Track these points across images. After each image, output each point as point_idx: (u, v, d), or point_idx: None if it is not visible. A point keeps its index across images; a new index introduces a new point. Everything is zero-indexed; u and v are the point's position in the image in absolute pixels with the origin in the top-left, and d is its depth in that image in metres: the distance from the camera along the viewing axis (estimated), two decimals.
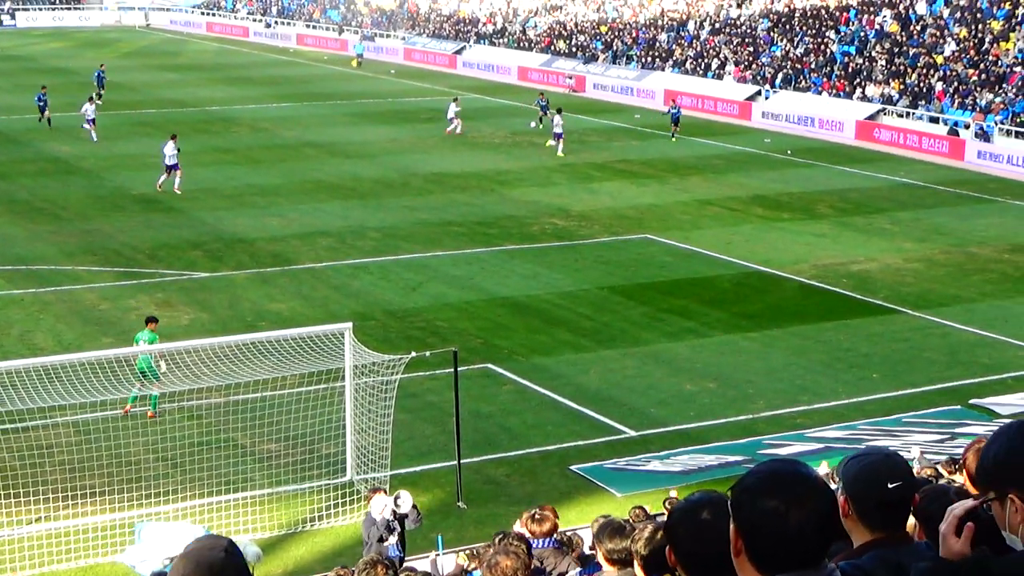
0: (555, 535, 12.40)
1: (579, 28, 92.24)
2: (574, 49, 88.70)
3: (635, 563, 7.90)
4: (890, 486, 5.06)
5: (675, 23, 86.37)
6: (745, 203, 49.16)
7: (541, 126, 64.08)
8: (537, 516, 12.05)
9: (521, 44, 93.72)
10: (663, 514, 19.40)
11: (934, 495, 5.94)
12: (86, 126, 59.46)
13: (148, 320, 27.45)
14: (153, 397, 25.87)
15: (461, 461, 23.60)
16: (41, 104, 62.38)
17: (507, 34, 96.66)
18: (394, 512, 19.03)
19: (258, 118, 68.78)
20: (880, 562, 4.70)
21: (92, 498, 22.28)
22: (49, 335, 31.45)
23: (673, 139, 62.52)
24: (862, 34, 73.67)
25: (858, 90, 68.22)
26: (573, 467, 24.84)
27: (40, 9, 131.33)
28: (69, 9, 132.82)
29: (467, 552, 18.50)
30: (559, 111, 60.08)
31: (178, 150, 48.74)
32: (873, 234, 44.30)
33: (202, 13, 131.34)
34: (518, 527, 12.48)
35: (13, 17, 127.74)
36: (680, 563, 4.97)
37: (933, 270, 39.53)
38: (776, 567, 3.94)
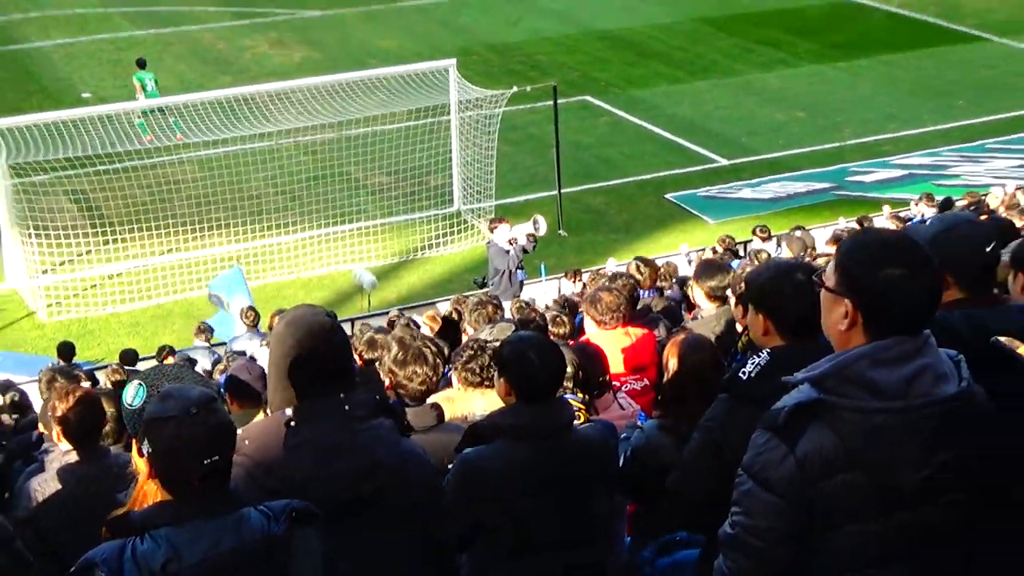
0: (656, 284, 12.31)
1: None
2: None
3: (732, 300, 7.81)
4: (988, 249, 4.90)
5: None
6: None
7: None
8: (640, 267, 11.95)
9: None
10: (751, 240, 19.33)
11: None
12: None
13: (140, 62, 28.40)
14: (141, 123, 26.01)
15: (562, 191, 23.56)
16: None
17: None
18: (531, 236, 18.66)
19: None
20: (966, 319, 4.59)
21: (218, 230, 22.56)
22: (171, 75, 31.43)
23: None
24: None
25: None
26: (668, 195, 24.68)
27: None
28: None
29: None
30: None
31: None
32: None
33: None
34: (612, 266, 12.42)
35: None
36: (774, 320, 4.88)
37: None
38: (893, 332, 3.81)
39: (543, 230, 18.77)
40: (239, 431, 4.54)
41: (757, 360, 4.74)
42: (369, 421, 4.58)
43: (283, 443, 4.46)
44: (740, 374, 4.75)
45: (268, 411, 7.08)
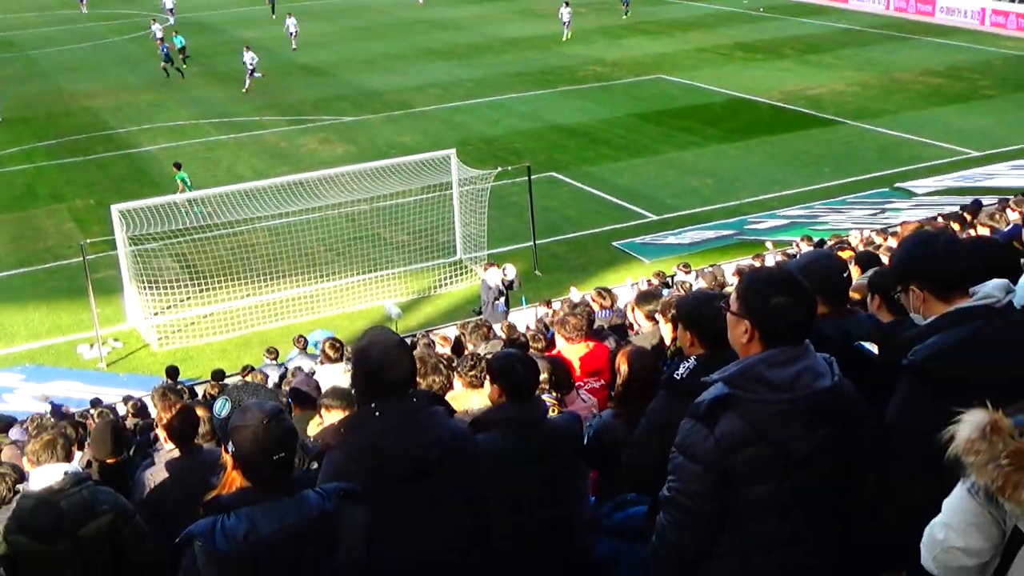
0: (613, 308, 12.25)
1: None
2: None
3: (662, 320, 7.73)
4: (844, 275, 4.93)
5: None
6: (730, 48, 47.59)
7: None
8: (603, 294, 11.94)
9: None
10: (676, 274, 19.26)
11: (881, 272, 5.73)
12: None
13: (176, 165, 27.97)
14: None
15: (536, 242, 23.54)
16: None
17: None
18: (503, 279, 18.83)
19: (383, 5, 67.10)
20: (833, 326, 4.60)
21: (283, 279, 22.50)
22: (247, 167, 31.42)
23: (625, 16, 56.26)
24: None
25: None
26: (614, 243, 24.64)
27: None
28: None
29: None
30: (567, 3, 51.90)
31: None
32: (823, 67, 42.80)
33: None
34: (575, 294, 12.37)
35: None
36: (698, 336, 4.84)
37: (867, 91, 38.27)
38: (781, 343, 3.80)
39: (511, 274, 19.01)
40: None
41: (687, 364, 4.73)
42: (429, 408, 4.56)
43: (370, 428, 4.41)
44: (675, 375, 4.73)
45: (321, 414, 7.00)
